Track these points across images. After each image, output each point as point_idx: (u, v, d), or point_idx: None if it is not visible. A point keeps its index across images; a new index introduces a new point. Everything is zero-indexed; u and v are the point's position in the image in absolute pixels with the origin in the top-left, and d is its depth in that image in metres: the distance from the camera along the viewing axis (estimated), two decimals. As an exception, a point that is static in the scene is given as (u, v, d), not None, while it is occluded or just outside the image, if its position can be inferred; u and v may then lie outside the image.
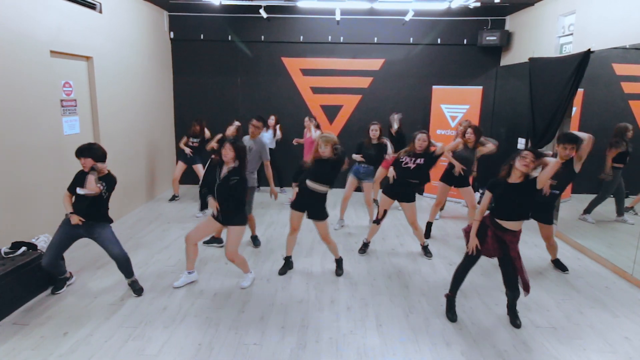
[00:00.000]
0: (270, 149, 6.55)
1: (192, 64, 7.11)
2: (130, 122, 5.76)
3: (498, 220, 3.00)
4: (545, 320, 3.22)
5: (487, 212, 3.14)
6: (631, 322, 3.24)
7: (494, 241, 3.03)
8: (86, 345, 2.81)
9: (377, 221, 4.33)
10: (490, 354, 2.81)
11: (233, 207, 3.47)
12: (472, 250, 3.11)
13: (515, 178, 2.93)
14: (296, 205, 3.77)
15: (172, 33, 6.95)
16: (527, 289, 3.04)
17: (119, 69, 5.45)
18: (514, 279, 3.04)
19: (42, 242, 3.78)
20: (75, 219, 3.26)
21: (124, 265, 3.45)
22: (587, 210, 5.12)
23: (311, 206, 3.72)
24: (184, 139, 6.14)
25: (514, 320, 3.16)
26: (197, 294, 3.52)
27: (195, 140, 6.09)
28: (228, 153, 3.39)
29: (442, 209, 5.82)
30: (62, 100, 4.48)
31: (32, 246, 3.54)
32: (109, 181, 3.32)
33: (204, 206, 5.65)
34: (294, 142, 6.66)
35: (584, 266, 4.28)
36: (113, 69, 5.30)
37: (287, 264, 4.01)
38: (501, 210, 2.99)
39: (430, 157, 4.07)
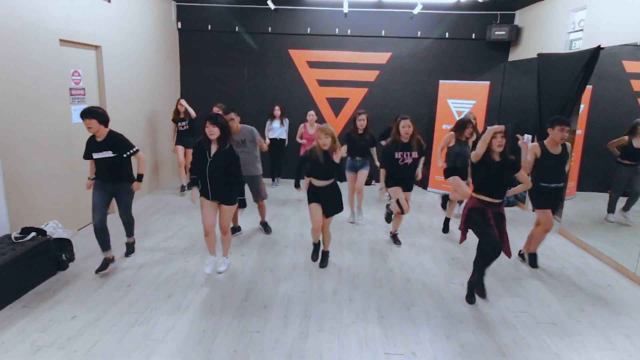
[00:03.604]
0: (281, 139, 6.65)
1: (199, 55, 7.13)
2: (137, 112, 5.80)
3: (490, 199, 3.22)
4: (546, 316, 3.24)
5: (473, 194, 3.32)
6: (632, 320, 3.25)
7: (494, 221, 3.21)
8: (94, 328, 2.88)
9: (402, 211, 4.32)
10: (491, 348, 2.84)
11: (226, 186, 3.48)
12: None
13: (495, 156, 3.16)
14: (313, 197, 3.76)
15: (179, 23, 6.96)
16: (510, 253, 3.35)
17: (127, 58, 5.48)
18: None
19: (51, 227, 3.86)
20: (89, 184, 3.69)
21: (127, 227, 3.94)
22: (610, 210, 4.96)
23: (328, 200, 3.74)
24: (173, 127, 6.22)
25: (482, 291, 3.39)
26: (201, 283, 3.57)
27: (183, 123, 6.08)
28: (213, 130, 3.32)
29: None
30: (71, 89, 4.52)
31: (41, 232, 3.61)
32: (115, 142, 3.52)
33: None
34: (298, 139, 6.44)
35: (587, 264, 4.28)
36: (121, 58, 5.33)
37: (323, 254, 4.04)
38: (491, 188, 3.21)
39: (421, 149, 4.21)
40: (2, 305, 3.08)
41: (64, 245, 3.75)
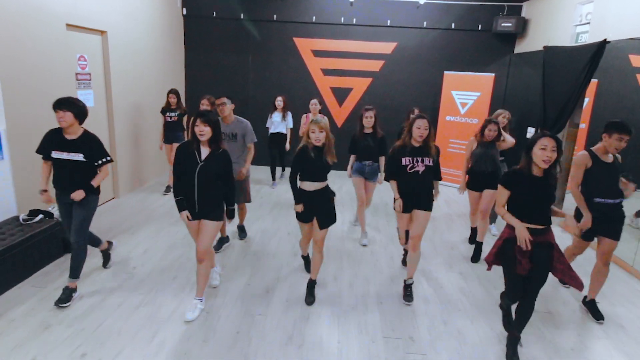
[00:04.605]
0: (281, 133, 6.14)
1: (204, 41, 7.12)
2: (142, 97, 5.83)
3: (530, 225, 2.51)
4: (542, 305, 3.30)
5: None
6: (628, 311, 3.31)
7: (533, 254, 2.53)
8: (100, 309, 2.96)
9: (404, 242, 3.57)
10: (487, 334, 2.91)
11: (215, 198, 2.89)
12: (526, 245, 2.46)
13: (536, 171, 2.49)
14: (303, 216, 3.15)
15: (184, 10, 6.94)
16: (581, 286, 2.57)
17: (133, 44, 5.49)
18: (538, 288, 2.59)
19: (58, 210, 3.92)
20: (44, 198, 3.01)
21: (74, 256, 3.03)
22: None
23: (320, 210, 3.10)
24: (162, 120, 5.47)
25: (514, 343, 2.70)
26: (205, 267, 3.64)
27: (173, 114, 5.41)
28: (204, 130, 2.75)
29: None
30: (77, 74, 4.55)
31: (48, 214, 3.68)
32: (90, 145, 2.93)
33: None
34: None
35: (585, 255, 4.29)
36: (126, 44, 5.35)
37: (310, 285, 3.30)
38: (531, 210, 2.52)
39: (438, 154, 3.31)
40: (11, 285, 3.17)
41: (71, 228, 3.82)
